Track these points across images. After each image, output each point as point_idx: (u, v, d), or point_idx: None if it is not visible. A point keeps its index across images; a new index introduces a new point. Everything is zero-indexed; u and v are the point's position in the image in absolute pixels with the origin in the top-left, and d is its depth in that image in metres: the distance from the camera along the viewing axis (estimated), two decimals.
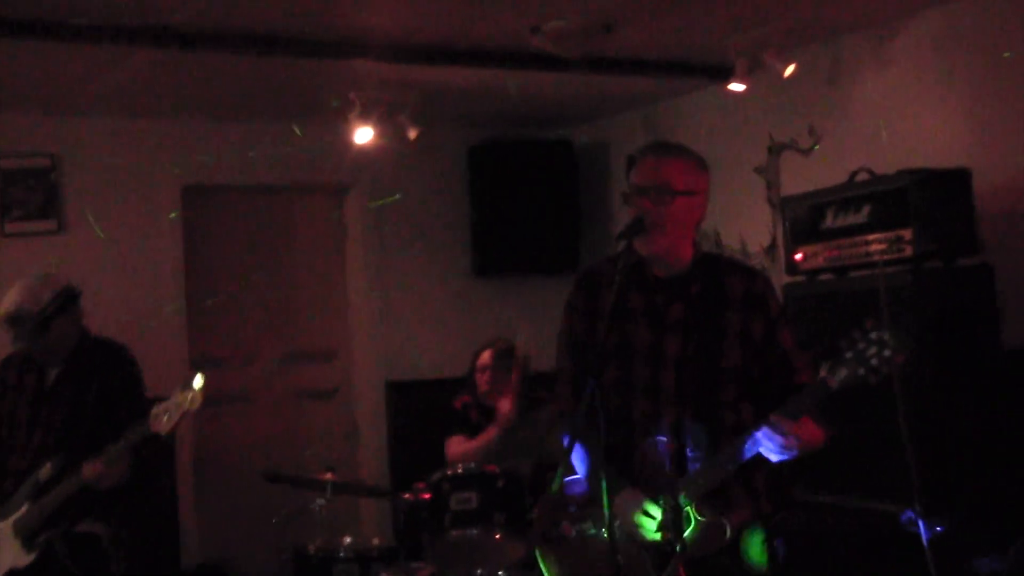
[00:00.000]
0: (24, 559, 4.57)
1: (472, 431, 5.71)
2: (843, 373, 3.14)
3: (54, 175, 6.56)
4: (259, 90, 6.32)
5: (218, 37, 5.19)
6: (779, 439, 3.19)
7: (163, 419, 4.39)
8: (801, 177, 5.87)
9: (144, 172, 6.80)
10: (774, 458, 3.26)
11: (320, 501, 5.11)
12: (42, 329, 4.74)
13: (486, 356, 5.85)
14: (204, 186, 7.01)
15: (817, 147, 5.83)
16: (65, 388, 4.78)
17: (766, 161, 6.16)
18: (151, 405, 4.47)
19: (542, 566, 3.57)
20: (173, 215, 6.84)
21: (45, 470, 4.58)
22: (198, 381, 4.41)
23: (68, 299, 4.81)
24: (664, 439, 3.34)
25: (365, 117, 6.21)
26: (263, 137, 7.05)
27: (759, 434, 3.22)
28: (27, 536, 4.58)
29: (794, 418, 3.20)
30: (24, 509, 4.60)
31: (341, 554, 5.07)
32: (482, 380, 5.80)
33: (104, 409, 4.69)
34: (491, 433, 5.55)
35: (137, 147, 6.79)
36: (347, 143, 6.42)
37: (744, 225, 6.28)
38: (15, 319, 4.75)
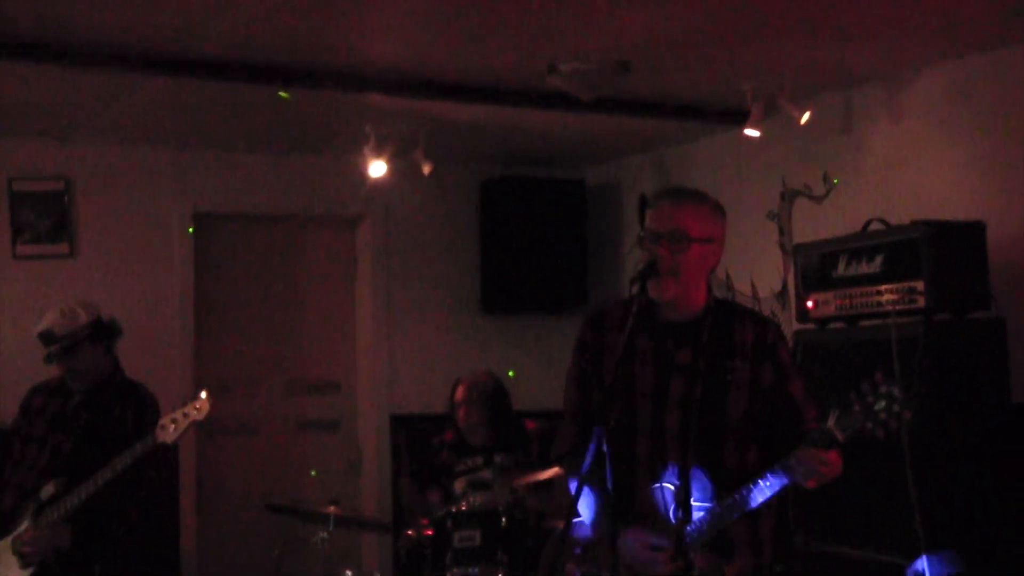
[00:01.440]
0: (21, 575, 4.61)
1: (428, 476, 5.65)
2: (851, 425, 3.13)
3: (67, 199, 6.58)
4: (273, 120, 6.34)
5: (234, 67, 5.21)
6: (811, 467, 3.20)
7: (169, 428, 4.48)
8: (813, 224, 5.87)
9: (156, 199, 6.82)
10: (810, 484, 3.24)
11: (322, 534, 5.08)
12: (70, 352, 4.84)
13: (460, 392, 5.86)
14: (216, 214, 7.02)
15: (837, 182, 5.81)
16: (81, 415, 4.88)
17: (779, 207, 6.16)
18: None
19: None
20: (191, 230, 6.85)
21: (47, 489, 4.65)
22: (204, 393, 4.53)
23: (102, 330, 4.93)
24: (669, 484, 3.32)
25: (379, 150, 6.23)
26: (276, 167, 7.07)
27: (791, 462, 3.20)
28: (24, 553, 4.62)
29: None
30: (24, 526, 4.64)
31: None
32: (460, 416, 5.81)
33: (116, 445, 4.69)
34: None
35: (150, 174, 6.82)
36: (360, 175, 6.43)
37: (755, 270, 6.28)
38: (47, 336, 4.85)
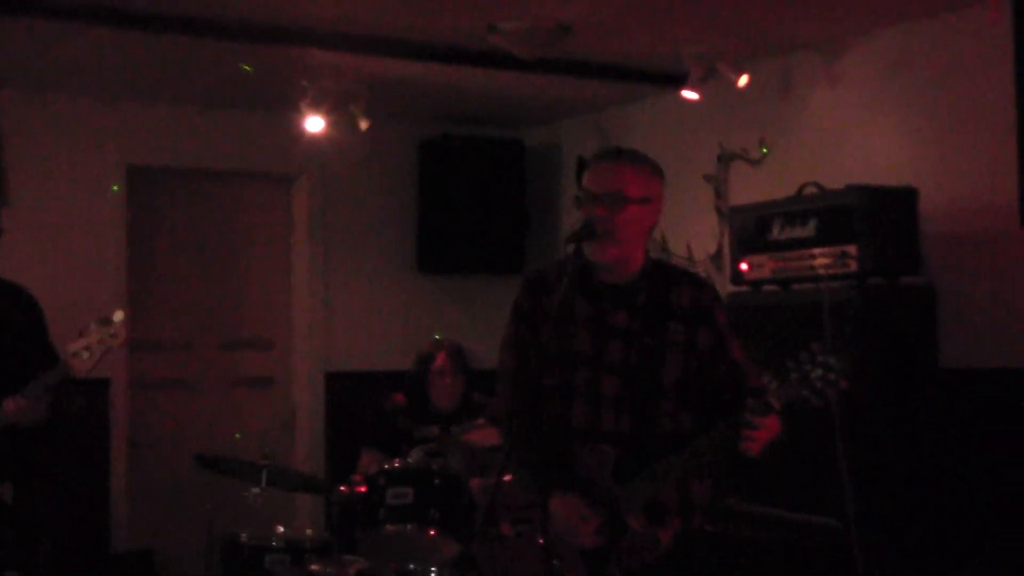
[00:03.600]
0: None
1: (389, 444, 5.59)
2: (787, 394, 3.15)
3: None
4: (210, 74, 6.28)
5: (170, 19, 5.15)
6: (747, 433, 3.21)
7: (83, 356, 4.15)
8: (749, 188, 5.92)
9: (89, 151, 6.74)
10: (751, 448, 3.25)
11: (254, 491, 5.07)
12: None
13: (441, 360, 5.74)
14: (150, 167, 6.95)
15: (766, 152, 5.86)
16: None
17: (715, 170, 6.20)
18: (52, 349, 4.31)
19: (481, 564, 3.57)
20: (115, 188, 6.77)
21: None
22: (118, 315, 4.21)
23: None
24: (604, 446, 3.34)
25: (317, 106, 6.19)
26: (212, 121, 7.00)
27: (727, 428, 3.21)
28: None
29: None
30: None
31: (273, 544, 5.04)
32: (440, 385, 5.69)
33: (8, 350, 4.40)
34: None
35: (84, 124, 6.73)
36: (296, 132, 6.39)
37: (691, 232, 6.31)
38: None
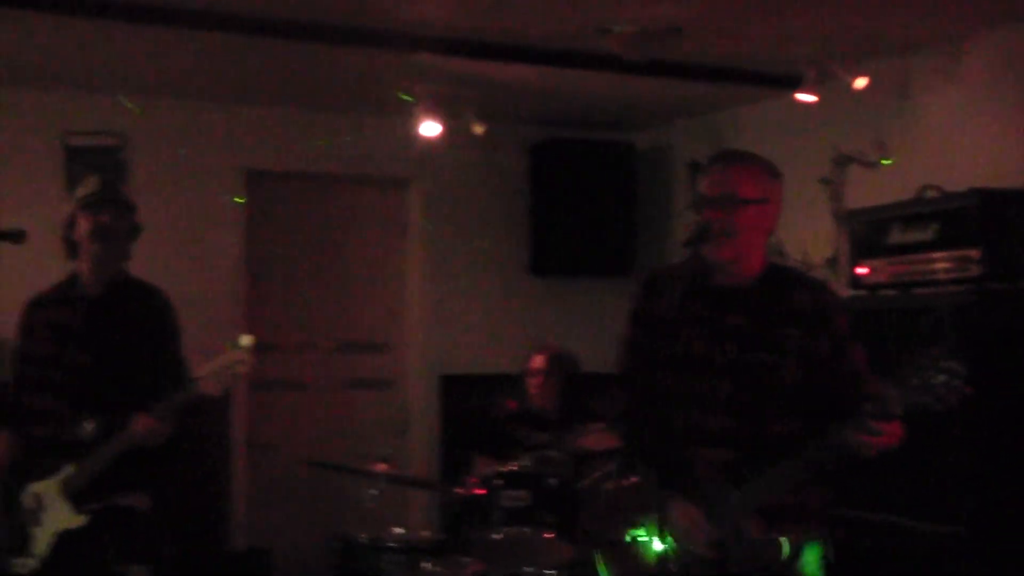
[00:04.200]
0: (76, 521, 4.33)
1: (500, 450, 5.63)
2: (908, 400, 3.10)
3: (121, 155, 6.62)
4: (326, 79, 6.37)
5: (286, 25, 5.23)
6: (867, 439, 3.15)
7: (213, 381, 4.22)
8: (866, 191, 5.83)
9: (210, 155, 6.86)
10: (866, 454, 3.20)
11: (372, 491, 5.13)
12: (125, 214, 4.59)
13: (538, 360, 5.86)
14: (268, 172, 7.06)
15: (888, 161, 5.76)
16: (93, 326, 4.49)
17: (832, 172, 6.12)
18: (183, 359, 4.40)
19: (600, 568, 3.58)
20: (240, 200, 6.89)
21: (87, 429, 4.34)
22: (246, 340, 4.26)
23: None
24: (718, 451, 3.32)
25: (432, 111, 6.23)
26: (328, 126, 7.09)
27: (846, 433, 3.17)
28: (76, 498, 4.33)
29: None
30: (71, 470, 4.34)
31: (390, 545, 5.09)
32: (532, 384, 5.81)
33: (139, 353, 4.44)
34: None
35: (204, 130, 6.85)
36: (410, 136, 6.44)
37: (807, 236, 6.23)
38: (112, 187, 4.61)
